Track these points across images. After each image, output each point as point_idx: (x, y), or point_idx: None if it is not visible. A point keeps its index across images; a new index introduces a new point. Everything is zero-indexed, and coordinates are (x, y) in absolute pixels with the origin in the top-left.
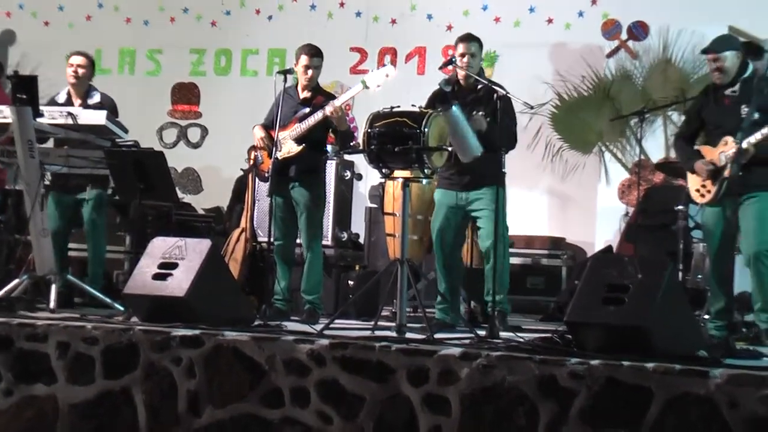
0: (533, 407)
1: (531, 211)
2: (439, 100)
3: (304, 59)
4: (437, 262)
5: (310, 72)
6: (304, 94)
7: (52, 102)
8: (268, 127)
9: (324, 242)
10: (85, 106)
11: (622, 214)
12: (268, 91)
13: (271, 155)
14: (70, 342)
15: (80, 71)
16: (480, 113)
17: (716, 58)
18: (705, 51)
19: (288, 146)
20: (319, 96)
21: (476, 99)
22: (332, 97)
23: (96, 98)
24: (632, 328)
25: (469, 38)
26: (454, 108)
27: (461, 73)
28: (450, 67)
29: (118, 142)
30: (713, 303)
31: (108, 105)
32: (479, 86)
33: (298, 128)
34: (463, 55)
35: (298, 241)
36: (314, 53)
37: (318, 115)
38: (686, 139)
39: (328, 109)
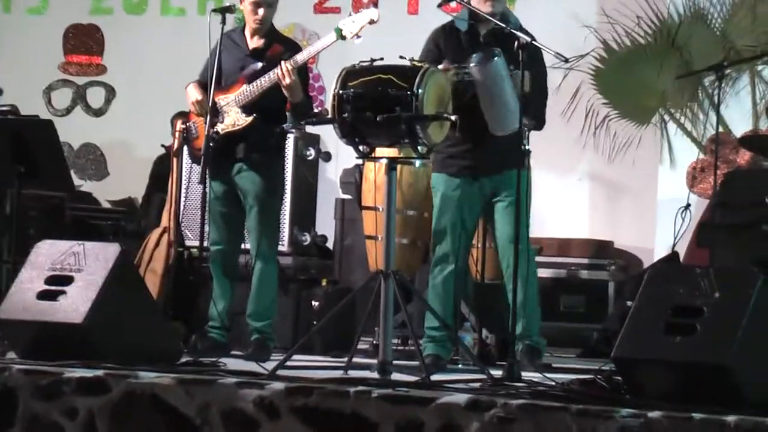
0: None
1: (566, 204)
2: (454, 43)
3: None
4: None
5: (261, 11)
6: (254, 43)
7: None
8: (206, 86)
9: (278, 248)
10: None
11: (686, 208)
12: (200, 36)
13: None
14: None
15: None
16: (512, 70)
17: None
18: None
19: (233, 116)
20: (276, 45)
21: (500, 47)
22: (295, 47)
23: None
24: (707, 366)
25: None
26: (497, 59)
27: (485, 9)
28: (453, 4)
29: None
30: None
31: None
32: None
33: (247, 91)
34: None
35: (244, 246)
36: None
37: (272, 76)
38: None
39: (280, 69)
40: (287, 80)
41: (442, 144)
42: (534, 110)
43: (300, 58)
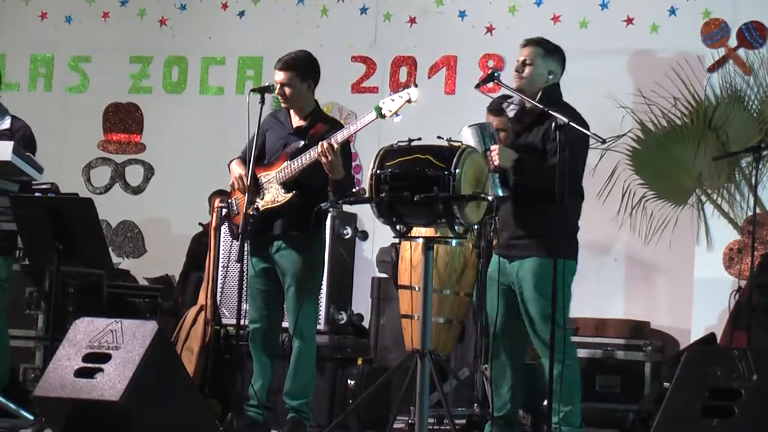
0: None
1: (601, 284)
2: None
3: (275, 74)
4: (493, 361)
5: (286, 90)
6: (298, 122)
7: None
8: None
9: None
10: None
11: (731, 291)
12: (238, 115)
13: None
14: None
15: None
16: (497, 146)
17: None
18: None
19: (273, 192)
20: (320, 124)
21: (531, 123)
22: (338, 125)
23: (5, 124)
24: None
25: (526, 41)
26: (464, 129)
27: (514, 84)
28: (491, 84)
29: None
30: None
31: (21, 134)
32: (530, 107)
33: (288, 168)
34: (522, 64)
35: (284, 323)
36: (283, 65)
37: (312, 153)
38: None
39: (319, 149)
40: (326, 158)
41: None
42: (533, 179)
43: (339, 136)
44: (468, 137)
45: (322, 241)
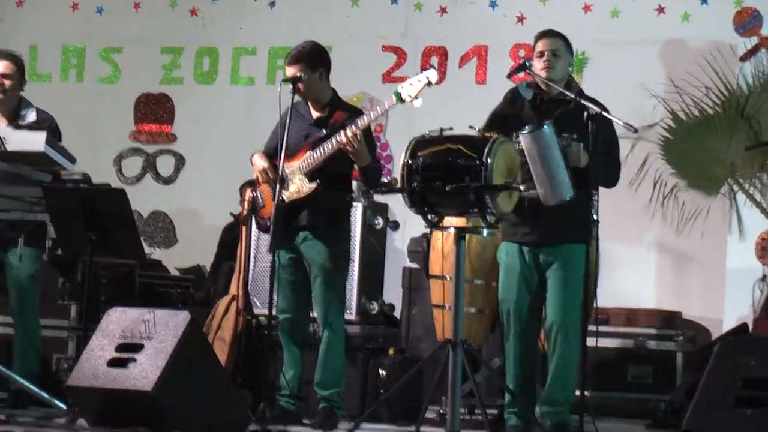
0: None
1: (633, 274)
2: (513, 113)
3: (286, 70)
4: (507, 346)
5: (299, 84)
6: (317, 112)
7: None
8: (272, 156)
9: (346, 316)
10: (15, 126)
11: (762, 279)
12: (269, 105)
13: (275, 195)
14: None
15: (6, 82)
16: (573, 138)
17: None
18: None
19: (297, 183)
20: (339, 112)
21: (567, 116)
22: (358, 113)
23: (31, 117)
24: None
25: (550, 33)
26: (546, 128)
27: (541, 76)
28: (522, 74)
29: (62, 176)
30: None
31: (47, 126)
32: (569, 98)
33: (311, 158)
34: (542, 54)
35: (312, 314)
36: (291, 59)
37: (334, 142)
38: None
39: (342, 137)
40: (352, 147)
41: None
42: (598, 178)
43: (361, 122)
44: (551, 135)
45: (348, 230)
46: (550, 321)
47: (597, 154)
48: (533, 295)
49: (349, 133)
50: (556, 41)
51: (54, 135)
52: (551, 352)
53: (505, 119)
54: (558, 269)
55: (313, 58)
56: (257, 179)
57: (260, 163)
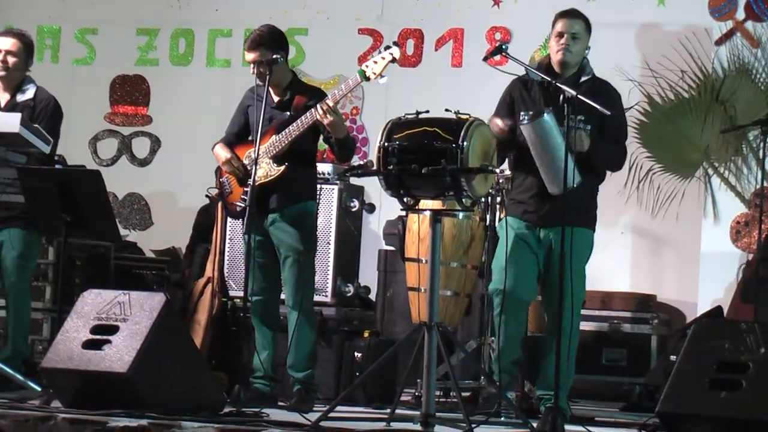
0: None
1: (608, 257)
2: (526, 94)
3: (246, 56)
4: (503, 317)
5: (260, 69)
6: (278, 95)
7: None
8: (232, 143)
9: (322, 298)
10: (12, 104)
11: (739, 264)
12: (245, 88)
13: (242, 181)
14: None
15: (11, 59)
16: (587, 127)
17: None
18: None
19: (265, 167)
20: (299, 96)
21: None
22: (319, 93)
23: (28, 94)
24: (753, 423)
25: (573, 13)
26: (545, 115)
27: (556, 59)
28: (498, 57)
29: (37, 157)
30: None
31: (43, 106)
32: (581, 80)
33: (277, 141)
34: (561, 35)
35: (283, 296)
36: (250, 44)
37: (302, 121)
38: None
39: (318, 112)
40: (328, 118)
41: (515, 190)
42: (604, 161)
43: (332, 97)
44: (551, 122)
45: (315, 211)
46: (549, 300)
47: (602, 139)
48: (530, 268)
49: (324, 107)
50: (577, 23)
51: (52, 114)
52: (549, 335)
53: (513, 102)
54: (559, 252)
55: (273, 42)
56: (223, 168)
57: (223, 153)
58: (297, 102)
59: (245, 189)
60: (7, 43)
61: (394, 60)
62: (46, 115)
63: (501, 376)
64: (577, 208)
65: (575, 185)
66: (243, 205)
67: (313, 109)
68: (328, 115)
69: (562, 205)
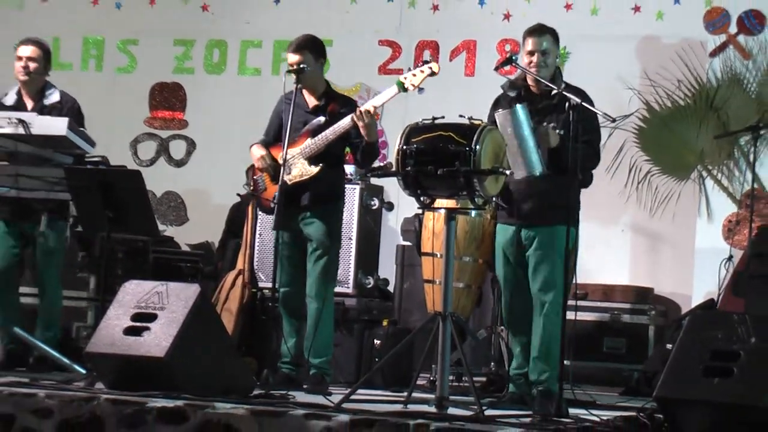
0: None
1: (609, 253)
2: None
3: (289, 57)
4: (506, 320)
5: (306, 69)
6: (313, 101)
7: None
8: (269, 144)
9: (344, 290)
10: (40, 107)
11: (727, 259)
12: (274, 94)
13: (275, 179)
14: (15, 414)
15: (32, 65)
16: (551, 125)
17: None
18: None
19: (300, 167)
20: (333, 103)
21: (549, 107)
22: (351, 103)
23: (54, 97)
24: (744, 407)
25: (539, 30)
26: (518, 106)
27: (530, 77)
28: (508, 67)
29: (85, 158)
30: None
31: (69, 108)
32: (554, 92)
33: (312, 144)
34: (531, 53)
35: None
36: (296, 47)
37: (336, 127)
38: None
39: (356, 116)
40: (365, 121)
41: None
42: (575, 161)
43: (374, 103)
44: (522, 113)
45: (342, 209)
46: (534, 294)
47: (576, 140)
48: (522, 269)
49: (363, 110)
50: (545, 39)
51: (77, 117)
52: (535, 326)
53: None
54: (537, 249)
55: (317, 48)
56: (258, 166)
57: (258, 152)
58: (332, 108)
59: (281, 185)
60: (27, 51)
61: (432, 74)
62: (72, 115)
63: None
64: (556, 205)
65: (538, 174)
66: (275, 201)
67: (352, 114)
68: (365, 119)
69: (536, 203)
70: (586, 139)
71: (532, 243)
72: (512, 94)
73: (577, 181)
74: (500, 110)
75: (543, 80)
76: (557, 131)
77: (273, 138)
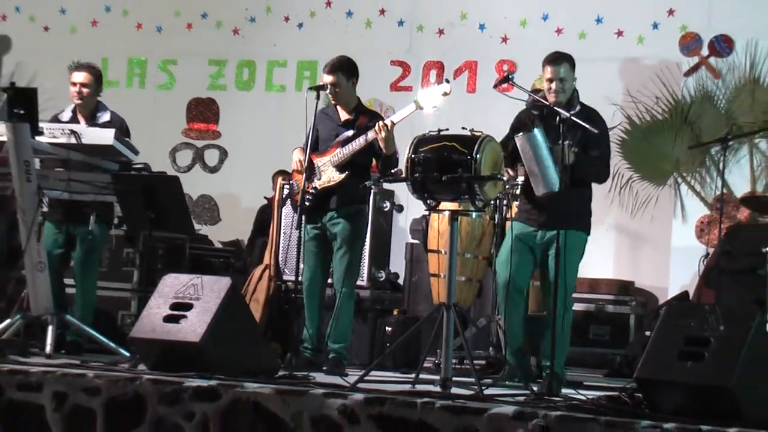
0: None
1: (595, 250)
2: (522, 124)
3: (324, 78)
4: (504, 303)
5: (336, 89)
6: (344, 115)
7: (55, 120)
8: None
9: (359, 282)
10: (92, 125)
11: (701, 256)
12: (297, 109)
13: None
14: (67, 392)
15: (85, 90)
16: (567, 142)
17: None
18: None
19: (328, 174)
20: (362, 117)
21: (566, 127)
22: (378, 117)
23: (105, 117)
24: (713, 388)
25: (557, 60)
26: (535, 131)
27: (550, 100)
28: (506, 85)
29: (130, 165)
30: None
31: (118, 125)
32: (571, 112)
33: (341, 153)
34: (551, 81)
35: (329, 281)
36: (330, 68)
37: (362, 139)
38: None
39: (376, 128)
40: (383, 135)
41: (522, 201)
42: (589, 176)
43: (394, 119)
44: (539, 137)
45: (366, 212)
46: (548, 293)
47: (587, 154)
48: (527, 264)
49: (382, 124)
50: (563, 66)
51: (124, 133)
52: (551, 316)
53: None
54: (554, 251)
55: (348, 68)
56: (294, 168)
57: (296, 155)
58: (360, 122)
59: (309, 189)
60: (80, 77)
61: (446, 94)
62: (121, 131)
63: (508, 359)
64: (571, 214)
65: (557, 190)
66: (307, 203)
67: (374, 128)
68: (383, 132)
69: (558, 212)
70: (597, 154)
71: (550, 246)
72: (536, 112)
73: (590, 193)
74: (521, 134)
75: (560, 109)
76: (573, 149)
77: (311, 145)
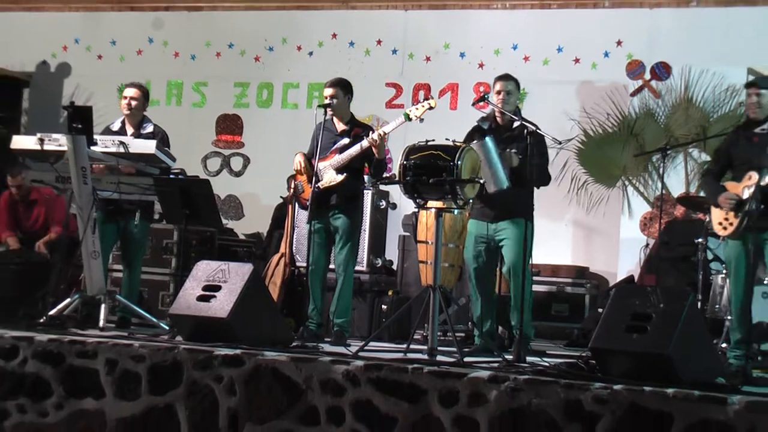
0: (558, 430)
1: (556, 241)
2: (476, 135)
3: (325, 91)
4: (471, 289)
5: (335, 101)
6: (341, 126)
7: (107, 130)
8: (309, 157)
9: (359, 268)
10: (137, 135)
11: (644, 246)
12: (308, 123)
13: (310, 182)
14: (118, 359)
15: (133, 103)
16: (513, 150)
17: (758, 93)
18: (750, 85)
19: (329, 176)
20: (356, 128)
21: (511, 137)
22: (369, 128)
23: (149, 129)
24: (655, 355)
25: (506, 77)
26: (486, 139)
27: (497, 111)
28: (482, 103)
29: (169, 170)
30: (733, 332)
31: (160, 135)
32: (514, 124)
33: (339, 158)
34: (499, 93)
35: (330, 266)
36: (331, 83)
37: (358, 147)
38: (714, 176)
39: (372, 136)
40: (376, 142)
41: (475, 199)
42: (531, 176)
43: (386, 128)
44: (490, 144)
45: (362, 208)
46: (507, 268)
47: (532, 159)
48: (487, 253)
49: (376, 134)
50: (510, 83)
51: (164, 142)
52: (512, 287)
53: (473, 137)
54: (507, 236)
55: (346, 87)
56: (296, 168)
57: (298, 158)
58: (355, 132)
59: (313, 189)
60: (131, 92)
61: (431, 108)
62: (161, 141)
63: (480, 336)
64: (518, 206)
65: (505, 188)
66: (309, 201)
67: (370, 135)
68: (377, 140)
69: (504, 205)
70: (536, 162)
71: (502, 233)
72: (485, 125)
73: (532, 190)
74: (475, 141)
75: (508, 113)
76: (518, 155)
77: (312, 153)
